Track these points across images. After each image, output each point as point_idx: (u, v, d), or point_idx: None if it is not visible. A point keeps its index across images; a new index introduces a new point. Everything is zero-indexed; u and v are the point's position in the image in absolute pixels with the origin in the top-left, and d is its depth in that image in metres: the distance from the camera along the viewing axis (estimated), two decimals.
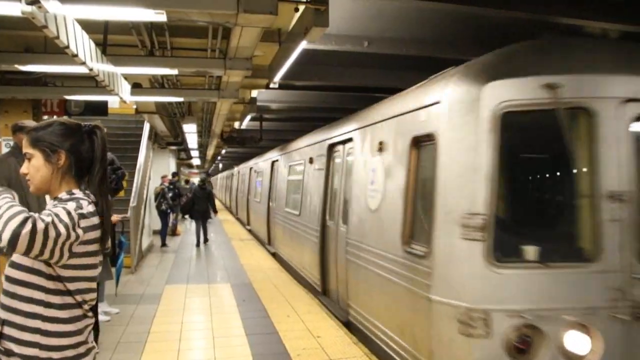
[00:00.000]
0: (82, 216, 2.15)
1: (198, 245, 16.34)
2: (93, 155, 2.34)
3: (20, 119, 7.37)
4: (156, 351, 6.23)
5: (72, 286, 2.18)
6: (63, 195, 2.25)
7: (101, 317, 7.00)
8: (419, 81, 5.96)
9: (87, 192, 2.29)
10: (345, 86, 11.35)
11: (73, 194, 2.25)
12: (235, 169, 31.33)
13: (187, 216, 18.71)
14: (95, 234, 2.21)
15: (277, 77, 7.95)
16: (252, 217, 20.62)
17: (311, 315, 7.82)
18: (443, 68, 5.53)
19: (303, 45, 6.03)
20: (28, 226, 1.93)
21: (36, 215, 1.99)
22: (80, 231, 2.12)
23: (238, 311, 8.06)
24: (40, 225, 1.96)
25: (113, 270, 7.35)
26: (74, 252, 2.13)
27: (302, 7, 5.61)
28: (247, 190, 21.96)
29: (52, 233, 2.00)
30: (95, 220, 2.21)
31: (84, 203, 2.20)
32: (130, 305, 8.28)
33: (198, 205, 16.68)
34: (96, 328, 6.23)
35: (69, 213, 2.10)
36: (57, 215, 2.06)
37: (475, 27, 7.67)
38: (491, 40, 6.75)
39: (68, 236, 2.06)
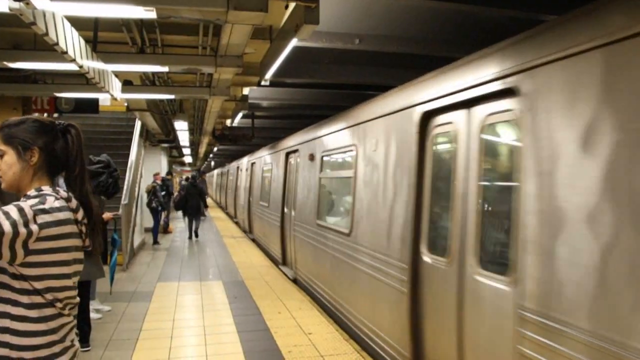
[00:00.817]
0: (42, 211, 2.08)
1: (190, 237, 17.41)
2: (68, 153, 2.31)
3: (9, 116, 7.28)
4: (148, 348, 6.23)
5: (39, 285, 2.10)
6: (32, 192, 2.21)
7: (93, 315, 6.99)
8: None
9: (57, 188, 2.25)
10: (337, 84, 11.35)
11: (41, 190, 2.21)
12: (241, 161, 22.86)
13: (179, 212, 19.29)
14: (61, 229, 2.13)
15: (268, 75, 7.93)
16: (296, 250, 10.37)
17: (302, 312, 7.84)
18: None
19: (294, 42, 6.02)
20: None
21: None
22: (34, 227, 2.04)
23: (230, 308, 8.07)
24: None
25: (105, 268, 7.34)
26: (32, 249, 2.05)
27: (292, 4, 5.61)
28: (280, 201, 12.07)
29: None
30: (61, 215, 2.14)
31: (50, 199, 2.15)
32: (122, 303, 8.27)
33: (190, 201, 17.51)
34: (88, 325, 6.24)
35: (20, 210, 2.04)
36: (6, 213, 2.01)
37: (469, 25, 7.68)
38: (485, 38, 6.78)
39: (16, 234, 1.99)
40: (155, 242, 16.00)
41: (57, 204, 2.15)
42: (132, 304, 8.33)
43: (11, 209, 2.04)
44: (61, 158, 2.30)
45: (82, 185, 2.32)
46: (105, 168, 6.75)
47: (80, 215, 2.26)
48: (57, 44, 4.47)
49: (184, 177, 30.08)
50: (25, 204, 2.07)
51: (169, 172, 20.57)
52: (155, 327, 7.09)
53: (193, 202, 17.52)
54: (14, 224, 1.98)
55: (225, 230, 20.46)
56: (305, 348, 6.22)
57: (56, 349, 2.16)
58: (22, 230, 2.00)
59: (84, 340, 6.03)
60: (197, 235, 17.48)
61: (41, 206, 2.10)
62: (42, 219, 2.07)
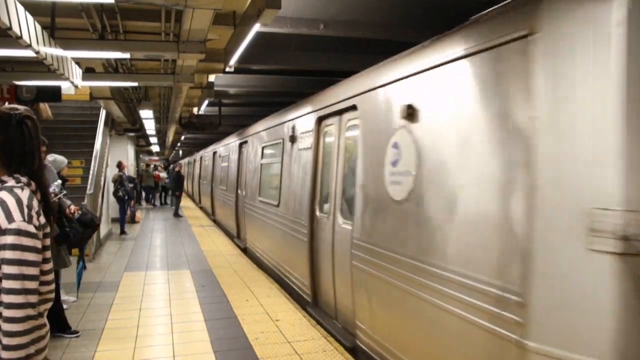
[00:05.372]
0: (29, 207, 2.13)
1: (175, 215, 21.30)
2: (24, 146, 2.27)
3: None
4: (113, 338, 6.17)
5: (46, 267, 2.20)
6: None
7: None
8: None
9: (15, 175, 2.23)
10: (303, 70, 11.32)
11: (4, 182, 2.20)
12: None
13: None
14: (41, 219, 2.20)
15: (233, 61, 7.89)
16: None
17: (270, 299, 7.84)
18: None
19: (256, 28, 5.99)
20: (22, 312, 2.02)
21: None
22: (40, 234, 2.14)
23: (197, 297, 8.03)
24: (17, 299, 2.01)
25: (72, 258, 7.19)
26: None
27: None
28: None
29: (28, 271, 2.05)
30: (35, 205, 2.18)
31: (18, 192, 2.16)
32: (88, 293, 8.16)
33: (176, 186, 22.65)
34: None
35: (20, 231, 2.07)
36: (24, 262, 2.06)
37: (434, 10, 7.71)
38: (451, 23, 6.80)
39: (36, 250, 2.10)
40: (123, 232, 15.83)
41: (26, 193, 2.17)
42: (98, 294, 8.23)
43: (20, 252, 2.07)
44: (18, 151, 2.26)
45: (41, 177, 2.34)
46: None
47: (39, 195, 2.29)
48: (10, 28, 4.34)
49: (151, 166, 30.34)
50: (18, 220, 2.07)
51: (148, 165, 23.29)
52: (122, 317, 7.02)
53: (176, 186, 22.53)
54: (34, 247, 2.10)
55: (193, 219, 20.34)
56: (272, 334, 6.23)
57: (43, 331, 2.22)
58: (38, 242, 2.12)
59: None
60: (178, 215, 21.13)
61: (23, 205, 2.12)
62: (34, 215, 2.14)
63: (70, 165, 8.83)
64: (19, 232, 2.05)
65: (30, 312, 2.04)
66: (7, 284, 2.01)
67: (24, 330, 2.02)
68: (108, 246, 13.48)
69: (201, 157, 25.94)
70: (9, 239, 2.04)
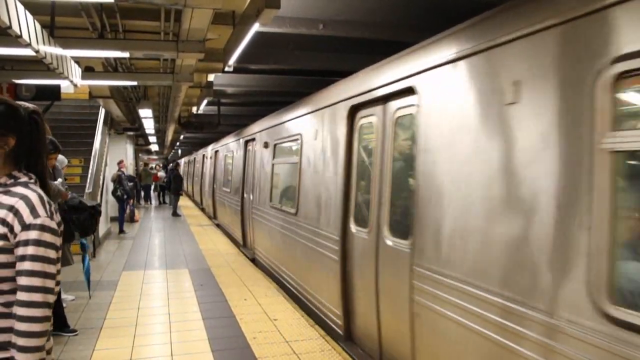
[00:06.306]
0: (50, 203, 2.11)
1: (174, 214, 21.39)
2: (32, 141, 2.23)
3: None
4: (112, 336, 6.18)
5: (59, 266, 2.16)
6: (4, 179, 2.13)
7: None
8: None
9: (23, 171, 2.19)
10: (302, 70, 11.33)
11: (17, 177, 2.15)
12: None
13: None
14: (57, 216, 2.18)
15: (232, 60, 7.89)
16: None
17: (268, 298, 7.85)
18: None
19: (255, 27, 5.99)
20: (40, 312, 1.95)
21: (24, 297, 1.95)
22: (59, 231, 2.11)
23: (195, 296, 8.04)
24: (38, 298, 1.95)
25: (77, 256, 7.22)
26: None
27: None
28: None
29: (49, 269, 1.99)
30: (46, 198, 2.15)
31: (33, 186, 2.13)
32: (86, 292, 8.15)
33: (173, 184, 22.71)
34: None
35: (44, 227, 2.03)
36: (45, 242, 2.01)
37: (436, 9, 7.71)
38: (452, 22, 6.81)
39: (56, 248, 2.05)
40: (122, 231, 15.84)
41: (38, 188, 2.15)
42: (97, 292, 8.23)
43: (43, 234, 2.02)
44: (28, 145, 2.22)
45: (44, 174, 2.29)
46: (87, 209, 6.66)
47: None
48: (9, 27, 4.35)
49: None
50: (43, 218, 2.03)
51: (147, 164, 23.43)
52: (120, 316, 7.02)
53: (175, 185, 22.45)
54: (54, 245, 2.05)
55: (191, 218, 20.35)
56: (270, 334, 6.24)
57: (49, 326, 2.20)
58: (58, 240, 2.08)
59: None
60: (177, 214, 21.19)
61: (44, 201, 2.08)
62: (55, 217, 2.11)
63: (69, 164, 8.84)
64: (43, 228, 2.00)
65: (47, 312, 1.96)
66: (29, 280, 1.94)
67: (42, 332, 1.94)
68: (107, 245, 13.50)
69: (216, 153, 19.14)
70: (33, 234, 1.98)
